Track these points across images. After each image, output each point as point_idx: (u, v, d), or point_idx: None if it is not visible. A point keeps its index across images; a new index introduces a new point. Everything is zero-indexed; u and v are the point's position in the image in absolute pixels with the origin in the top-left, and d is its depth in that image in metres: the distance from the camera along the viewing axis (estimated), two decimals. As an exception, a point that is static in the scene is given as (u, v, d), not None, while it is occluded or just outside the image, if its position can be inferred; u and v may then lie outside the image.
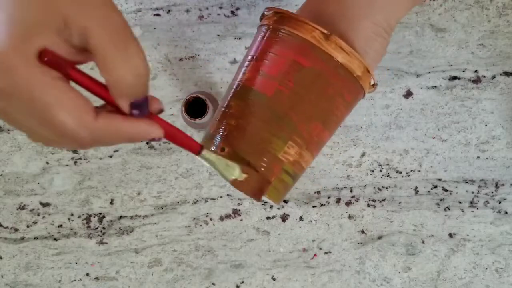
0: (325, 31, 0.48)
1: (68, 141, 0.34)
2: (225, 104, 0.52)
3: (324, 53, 0.48)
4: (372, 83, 0.52)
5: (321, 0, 0.52)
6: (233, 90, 0.52)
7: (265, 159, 0.48)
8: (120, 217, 0.72)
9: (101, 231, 0.72)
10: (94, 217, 0.72)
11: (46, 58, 0.32)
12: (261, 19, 0.54)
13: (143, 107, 0.35)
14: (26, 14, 0.31)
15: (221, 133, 0.49)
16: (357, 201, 0.71)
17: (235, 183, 0.46)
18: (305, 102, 0.48)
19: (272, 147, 0.48)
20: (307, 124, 0.49)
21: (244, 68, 0.52)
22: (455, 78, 0.71)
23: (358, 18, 0.49)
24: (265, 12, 0.53)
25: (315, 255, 0.71)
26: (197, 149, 0.42)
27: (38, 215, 0.72)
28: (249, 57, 0.52)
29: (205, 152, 0.43)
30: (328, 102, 0.49)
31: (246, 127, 0.48)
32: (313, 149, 0.51)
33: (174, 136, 0.40)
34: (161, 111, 0.39)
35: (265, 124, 0.48)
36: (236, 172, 0.45)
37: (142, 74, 0.33)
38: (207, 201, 0.71)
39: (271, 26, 0.51)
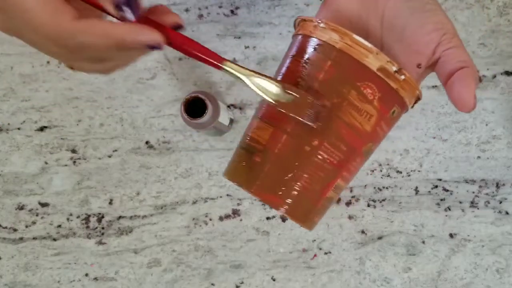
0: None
1: (52, 45, 0.34)
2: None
3: None
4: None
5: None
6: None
7: None
8: (119, 217, 0.71)
9: (100, 231, 0.71)
10: (93, 217, 0.71)
11: None
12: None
13: (131, 9, 0.33)
14: None
15: None
16: (357, 201, 0.70)
17: (277, 103, 0.38)
18: None
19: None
20: None
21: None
22: (455, 77, 0.71)
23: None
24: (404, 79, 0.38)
25: (315, 255, 0.71)
26: (219, 61, 0.36)
27: (37, 215, 0.72)
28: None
29: (228, 64, 0.37)
30: None
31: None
32: None
33: (186, 46, 0.35)
34: (178, 25, 0.36)
35: None
36: (274, 90, 0.38)
37: None
38: (207, 201, 0.71)
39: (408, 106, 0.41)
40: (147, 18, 0.35)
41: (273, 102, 0.38)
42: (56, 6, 0.33)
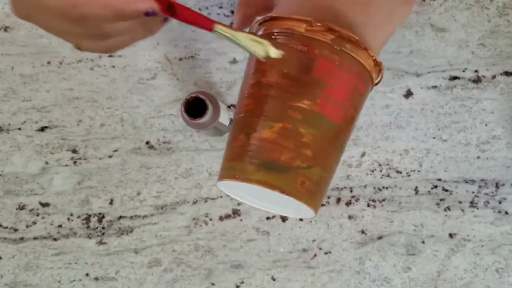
0: (378, 60, 0.47)
1: (59, 20, 0.36)
2: (289, 126, 0.44)
3: (371, 79, 0.48)
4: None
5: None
6: (298, 113, 0.44)
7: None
8: (120, 217, 0.71)
9: (100, 231, 0.71)
10: (94, 217, 0.72)
11: None
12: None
13: None
14: None
15: (300, 165, 0.44)
16: (357, 201, 0.71)
17: (269, 61, 0.40)
18: (353, 124, 0.48)
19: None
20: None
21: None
22: (455, 78, 0.71)
23: (380, 27, 0.49)
24: (314, 27, 0.44)
25: (315, 255, 0.71)
26: (210, 25, 0.38)
27: (38, 215, 0.72)
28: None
29: (220, 27, 0.38)
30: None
31: (323, 159, 0.45)
32: None
33: (179, 11, 0.37)
34: None
35: (336, 153, 0.47)
36: (266, 47, 0.40)
37: None
38: (207, 201, 0.71)
39: (334, 47, 0.45)
40: None
41: (263, 59, 0.40)
42: None
